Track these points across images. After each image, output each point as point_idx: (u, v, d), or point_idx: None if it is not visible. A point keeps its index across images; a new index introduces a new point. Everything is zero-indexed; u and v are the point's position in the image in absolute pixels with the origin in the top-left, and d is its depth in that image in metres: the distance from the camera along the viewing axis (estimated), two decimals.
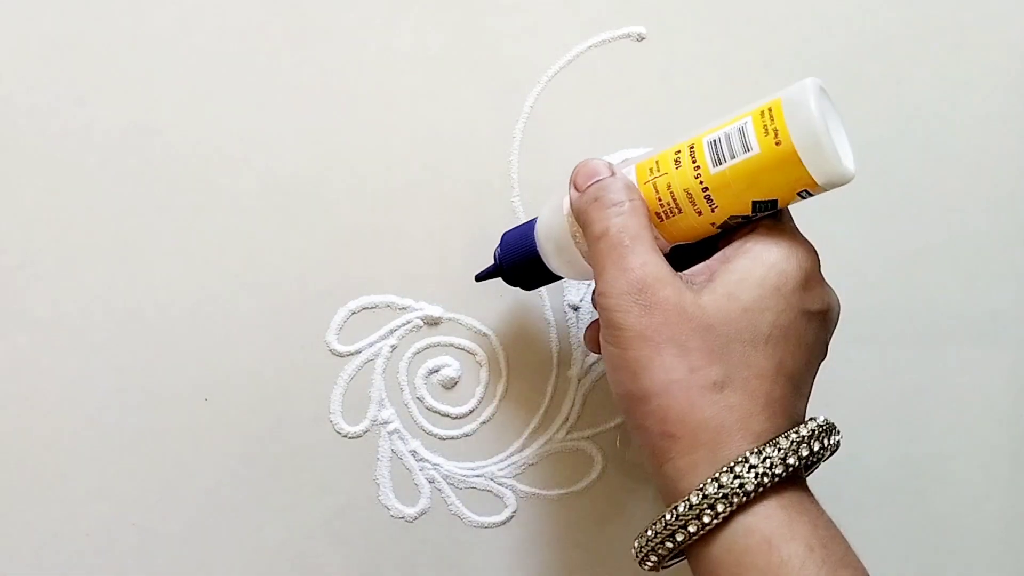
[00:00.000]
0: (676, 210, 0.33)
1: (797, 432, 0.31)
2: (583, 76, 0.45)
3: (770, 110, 0.31)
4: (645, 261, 0.32)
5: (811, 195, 0.32)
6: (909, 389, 0.47)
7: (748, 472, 0.29)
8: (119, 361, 0.43)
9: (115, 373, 0.43)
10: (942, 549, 0.48)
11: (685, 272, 0.33)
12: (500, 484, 0.45)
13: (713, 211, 0.33)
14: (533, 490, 0.45)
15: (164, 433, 0.43)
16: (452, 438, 0.45)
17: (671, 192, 0.33)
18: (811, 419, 0.32)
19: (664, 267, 0.32)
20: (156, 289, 0.43)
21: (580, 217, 0.34)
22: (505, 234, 0.40)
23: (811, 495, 0.32)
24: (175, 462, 0.43)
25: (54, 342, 0.43)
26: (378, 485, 0.44)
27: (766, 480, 0.29)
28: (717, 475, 0.29)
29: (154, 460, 0.43)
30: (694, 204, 0.33)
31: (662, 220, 0.34)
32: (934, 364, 0.47)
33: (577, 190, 0.35)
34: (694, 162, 0.33)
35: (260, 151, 0.44)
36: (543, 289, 0.44)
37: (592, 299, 0.42)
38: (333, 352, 0.44)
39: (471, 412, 0.45)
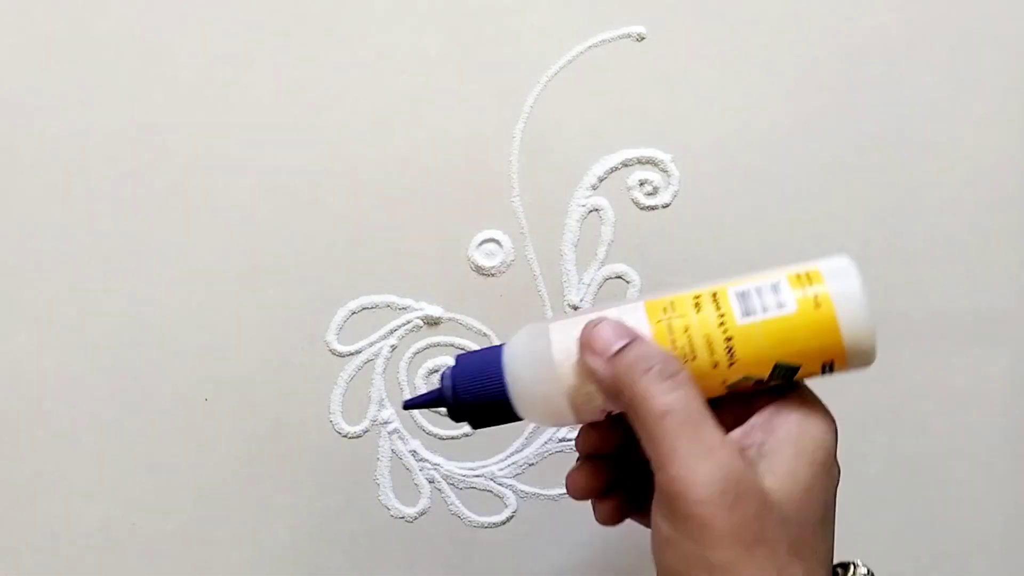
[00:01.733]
0: (691, 356, 0.30)
1: None
2: (583, 76, 0.45)
3: (808, 275, 0.30)
4: (724, 440, 0.29)
5: (831, 372, 0.31)
6: (909, 389, 0.47)
7: None
8: (119, 361, 0.43)
9: (115, 373, 0.43)
10: (942, 549, 0.48)
11: (732, 434, 0.31)
12: (500, 484, 0.45)
13: (730, 365, 0.30)
14: (533, 490, 0.45)
15: (164, 433, 0.43)
16: (452, 438, 0.45)
17: (688, 335, 0.30)
18: None
19: (735, 446, 0.29)
20: (156, 289, 0.43)
21: (622, 388, 0.30)
22: (460, 359, 0.34)
23: None
24: (175, 462, 0.43)
25: (54, 342, 0.43)
26: (378, 485, 0.44)
27: None
28: None
29: (154, 460, 0.43)
30: (712, 353, 0.30)
31: None
32: (934, 364, 0.47)
33: (598, 354, 0.31)
34: (718, 310, 0.31)
35: (260, 151, 0.44)
36: (543, 288, 0.44)
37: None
38: (333, 352, 0.44)
39: None
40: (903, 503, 0.48)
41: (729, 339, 0.30)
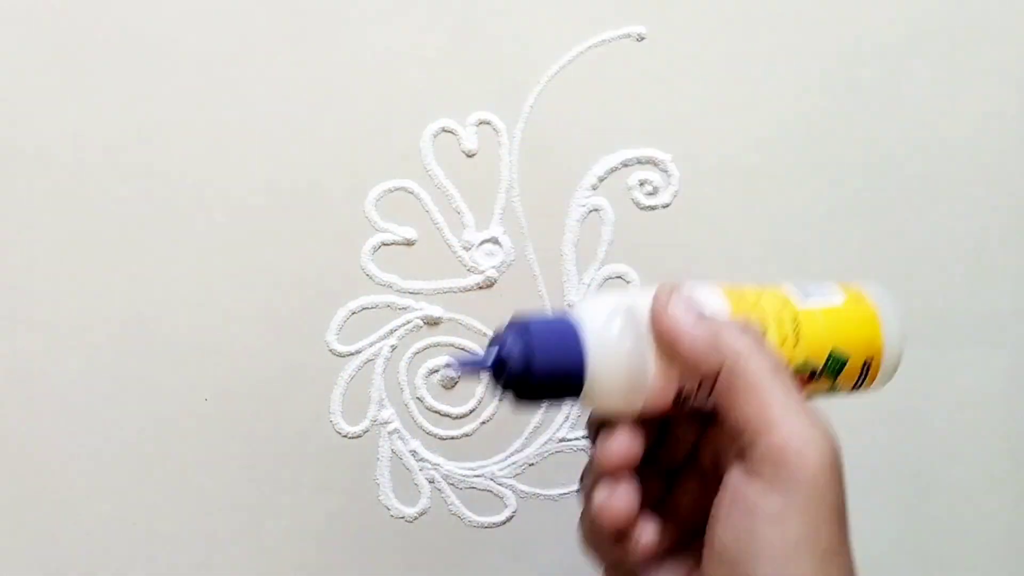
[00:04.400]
0: (763, 330, 0.30)
1: None
2: (583, 76, 0.45)
3: (848, 285, 0.33)
4: (818, 411, 0.27)
5: (866, 380, 0.33)
6: (909, 389, 0.47)
7: None
8: (119, 361, 0.43)
9: (115, 373, 0.43)
10: (942, 549, 0.48)
11: None
12: (500, 484, 0.45)
13: (796, 343, 0.31)
14: (533, 490, 0.45)
15: (164, 433, 0.43)
16: (452, 438, 0.45)
17: (760, 310, 0.31)
18: None
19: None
20: (156, 289, 0.43)
21: (716, 345, 0.28)
22: (534, 325, 0.29)
23: None
24: (175, 462, 0.43)
25: (54, 342, 0.43)
26: (378, 485, 0.44)
27: None
28: None
29: (154, 460, 0.43)
30: (781, 327, 0.31)
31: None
32: (934, 364, 0.47)
33: (683, 317, 0.28)
34: (782, 295, 0.32)
35: (260, 150, 0.44)
36: (543, 288, 0.44)
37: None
38: (333, 352, 0.44)
39: (471, 412, 0.45)
40: (903, 503, 0.48)
41: (795, 318, 0.31)
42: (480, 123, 0.44)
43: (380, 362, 0.44)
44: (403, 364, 0.44)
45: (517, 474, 0.45)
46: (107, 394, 0.43)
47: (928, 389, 0.47)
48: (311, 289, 0.44)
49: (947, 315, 0.47)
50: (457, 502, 0.45)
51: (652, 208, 0.45)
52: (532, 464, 0.45)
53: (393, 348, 0.44)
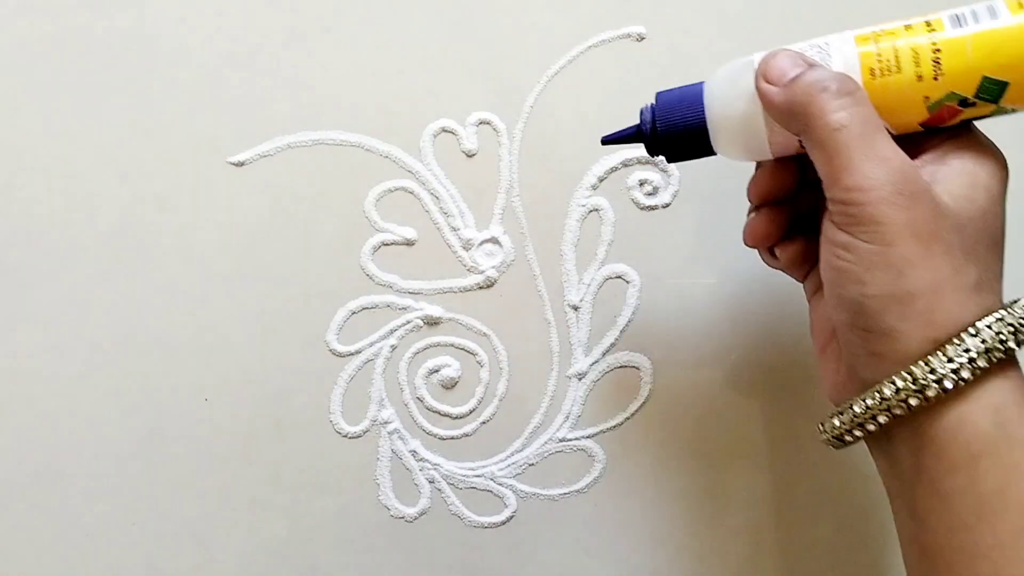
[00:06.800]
0: (895, 68, 0.31)
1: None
2: (583, 76, 0.45)
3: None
4: (897, 150, 0.29)
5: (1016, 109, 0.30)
6: None
7: (981, 341, 0.28)
8: (119, 361, 0.43)
9: (115, 373, 0.43)
10: None
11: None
12: (500, 484, 0.45)
13: (936, 78, 0.30)
14: (533, 490, 0.45)
15: (164, 433, 0.43)
16: (452, 438, 0.45)
17: (895, 49, 0.31)
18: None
19: (909, 160, 0.30)
20: (156, 289, 0.43)
21: (797, 109, 0.31)
22: (660, 95, 0.35)
23: None
24: (175, 462, 0.43)
25: (54, 342, 0.43)
26: (378, 485, 0.44)
27: (999, 351, 0.28)
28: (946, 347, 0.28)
29: (154, 460, 0.43)
30: (918, 64, 0.30)
31: (873, 76, 0.31)
32: None
33: (774, 84, 0.31)
34: (929, 27, 0.30)
35: (260, 150, 0.44)
36: (543, 289, 0.44)
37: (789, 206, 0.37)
38: (333, 352, 0.44)
39: (471, 412, 0.45)
40: None
41: (937, 50, 0.30)
42: (480, 123, 0.44)
43: (380, 362, 0.44)
44: (403, 364, 0.44)
45: (517, 474, 0.45)
46: (107, 394, 0.43)
47: None
48: (311, 289, 0.44)
49: None
50: (457, 502, 0.45)
51: (652, 208, 0.45)
52: (532, 464, 0.45)
53: (393, 348, 0.44)
